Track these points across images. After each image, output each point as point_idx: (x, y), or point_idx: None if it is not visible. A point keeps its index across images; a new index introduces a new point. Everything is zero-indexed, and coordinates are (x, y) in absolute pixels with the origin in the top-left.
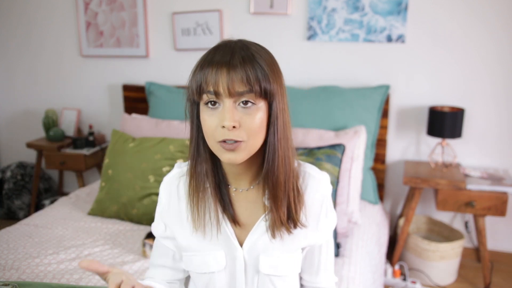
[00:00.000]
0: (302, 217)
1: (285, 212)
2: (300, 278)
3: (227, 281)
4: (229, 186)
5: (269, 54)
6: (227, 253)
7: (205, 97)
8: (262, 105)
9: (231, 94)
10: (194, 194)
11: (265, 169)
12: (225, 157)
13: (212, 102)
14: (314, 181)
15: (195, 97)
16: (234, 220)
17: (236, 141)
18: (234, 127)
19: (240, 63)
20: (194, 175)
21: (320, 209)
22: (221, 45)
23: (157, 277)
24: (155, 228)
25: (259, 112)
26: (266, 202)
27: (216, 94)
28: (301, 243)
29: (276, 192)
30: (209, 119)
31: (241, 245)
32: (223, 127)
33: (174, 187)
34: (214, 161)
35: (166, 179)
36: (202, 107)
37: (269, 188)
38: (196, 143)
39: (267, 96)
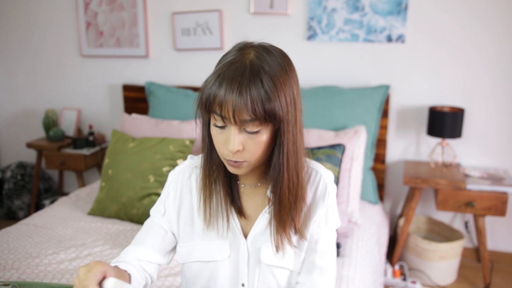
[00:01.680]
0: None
1: (290, 225)
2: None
3: (230, 272)
4: (238, 182)
5: (282, 67)
6: (232, 243)
7: (213, 116)
8: (267, 128)
9: (236, 122)
10: (207, 186)
11: (272, 186)
12: (230, 169)
13: (220, 126)
14: (316, 175)
15: (204, 112)
16: (240, 212)
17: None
18: (238, 150)
19: (247, 92)
20: (207, 168)
21: (322, 203)
22: (236, 60)
23: (136, 253)
24: (154, 209)
25: (263, 136)
26: (270, 195)
27: (223, 118)
28: (302, 243)
29: (281, 210)
30: (218, 136)
31: (245, 237)
32: None
33: (186, 178)
34: None
35: (178, 169)
36: (212, 121)
37: (275, 201)
38: (209, 138)
39: (272, 119)
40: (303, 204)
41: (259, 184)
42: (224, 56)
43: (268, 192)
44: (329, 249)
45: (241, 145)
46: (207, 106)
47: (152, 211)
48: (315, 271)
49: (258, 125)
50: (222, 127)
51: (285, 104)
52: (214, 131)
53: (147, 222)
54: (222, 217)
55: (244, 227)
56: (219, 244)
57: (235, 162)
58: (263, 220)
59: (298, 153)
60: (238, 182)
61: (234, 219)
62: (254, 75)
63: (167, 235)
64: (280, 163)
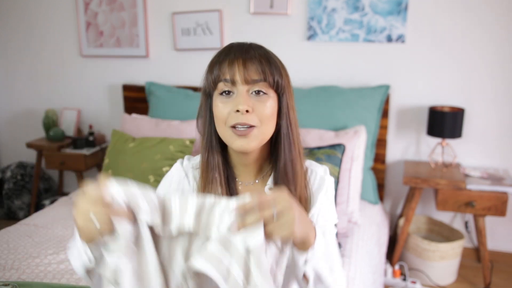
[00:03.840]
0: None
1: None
2: None
3: None
4: (236, 180)
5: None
6: None
7: (220, 86)
8: (273, 95)
9: (247, 81)
10: (205, 185)
11: (282, 160)
12: (237, 144)
13: (227, 92)
14: (312, 173)
15: (211, 87)
16: None
17: (249, 126)
18: (247, 111)
19: (255, 56)
20: (206, 166)
21: (317, 195)
22: (235, 44)
23: None
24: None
25: (270, 100)
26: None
27: (232, 82)
28: None
29: (288, 185)
30: (223, 106)
31: None
32: (237, 111)
33: (189, 174)
34: (224, 154)
35: (179, 163)
36: (216, 97)
37: (283, 180)
38: (209, 135)
39: (278, 88)
40: (305, 191)
41: (256, 181)
42: (219, 51)
43: (266, 189)
44: (332, 239)
45: (250, 106)
46: (215, 75)
47: None
48: None
49: (266, 87)
50: (229, 93)
51: (285, 77)
52: (219, 102)
53: None
54: None
55: None
56: None
57: (244, 130)
58: None
59: (298, 134)
60: (236, 179)
61: None
62: (258, 48)
63: None
64: (288, 132)
